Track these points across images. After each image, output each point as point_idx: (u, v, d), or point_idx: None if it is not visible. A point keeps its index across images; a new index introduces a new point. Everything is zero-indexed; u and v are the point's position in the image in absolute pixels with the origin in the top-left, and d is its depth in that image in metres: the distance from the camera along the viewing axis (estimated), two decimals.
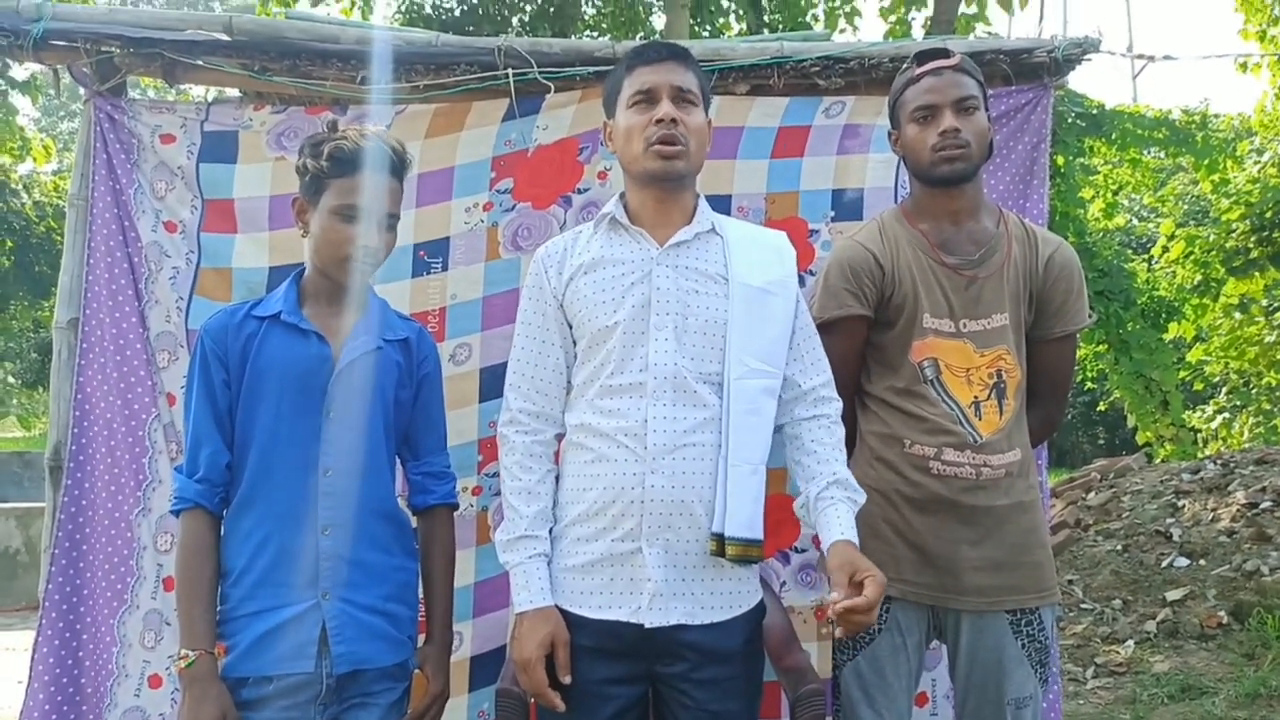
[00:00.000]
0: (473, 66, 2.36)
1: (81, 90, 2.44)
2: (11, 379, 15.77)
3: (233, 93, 2.75)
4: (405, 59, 2.36)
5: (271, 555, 1.61)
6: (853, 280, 1.92)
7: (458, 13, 9.84)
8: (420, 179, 2.38)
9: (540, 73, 2.33)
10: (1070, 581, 5.25)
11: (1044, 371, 1.96)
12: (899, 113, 1.94)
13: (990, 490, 1.85)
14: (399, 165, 1.73)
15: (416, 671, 1.75)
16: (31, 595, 6.50)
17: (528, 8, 10.23)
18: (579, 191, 2.39)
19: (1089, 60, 2.47)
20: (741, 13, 9.55)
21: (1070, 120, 7.46)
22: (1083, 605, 5.01)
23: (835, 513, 1.65)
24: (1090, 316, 1.96)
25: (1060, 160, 7.32)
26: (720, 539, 1.60)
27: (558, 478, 1.72)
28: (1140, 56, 5.08)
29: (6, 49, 2.36)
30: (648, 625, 1.59)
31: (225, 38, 2.33)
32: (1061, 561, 5.63)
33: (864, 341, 1.96)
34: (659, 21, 9.69)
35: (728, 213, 2.40)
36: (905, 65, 1.96)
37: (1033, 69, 2.49)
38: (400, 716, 1.71)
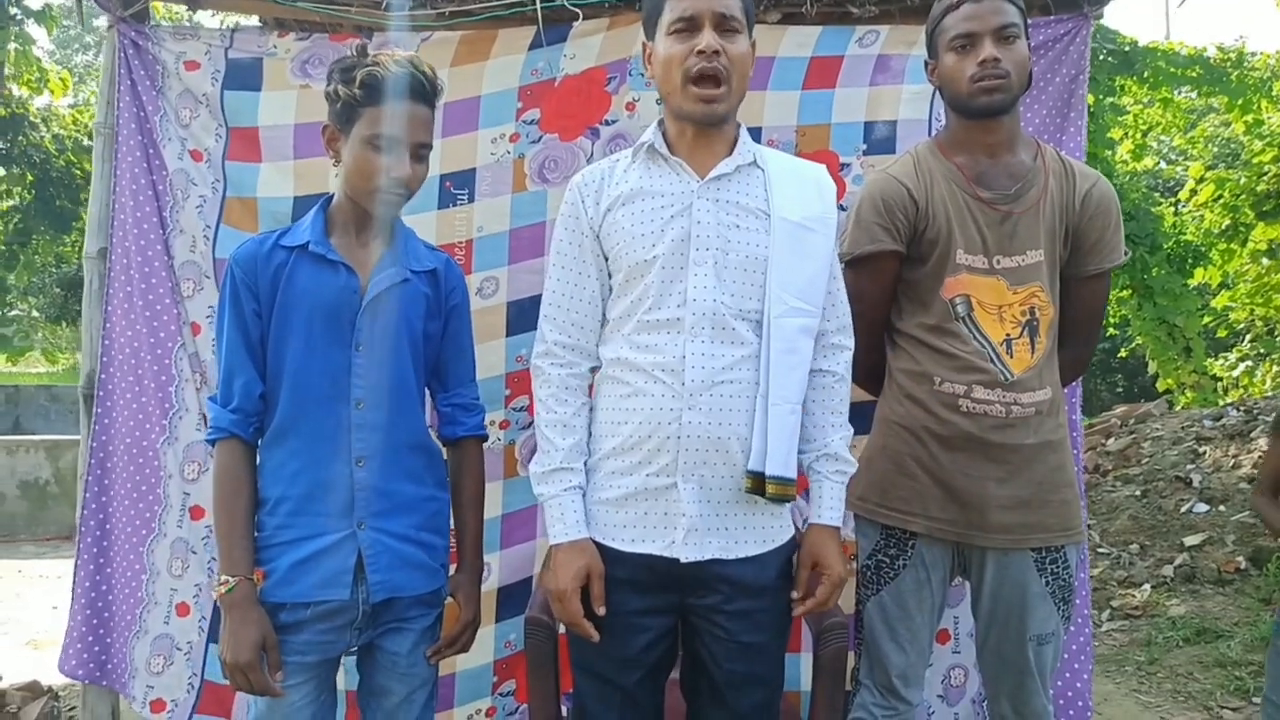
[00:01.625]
0: None
1: (101, 20, 2.41)
2: (36, 313, 15.90)
3: (253, 20, 2.71)
4: None
5: (306, 485, 1.63)
6: (886, 215, 1.89)
7: None
8: (446, 108, 2.35)
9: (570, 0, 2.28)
10: (1088, 526, 5.26)
11: (1077, 309, 1.94)
12: (936, 41, 1.89)
13: (1019, 428, 1.84)
14: (432, 93, 1.69)
15: (448, 599, 1.78)
16: (62, 525, 6.67)
17: None
18: (606, 123, 2.36)
19: None
20: None
21: (1102, 57, 7.27)
22: (1100, 549, 5.03)
23: (819, 491, 1.67)
24: (1125, 254, 1.92)
25: (1090, 99, 7.16)
26: (760, 477, 1.59)
27: (592, 410, 1.71)
28: None
29: None
30: (684, 560, 1.59)
31: None
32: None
33: (896, 277, 1.93)
34: None
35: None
36: None
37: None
38: (433, 642, 1.74)
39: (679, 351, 1.60)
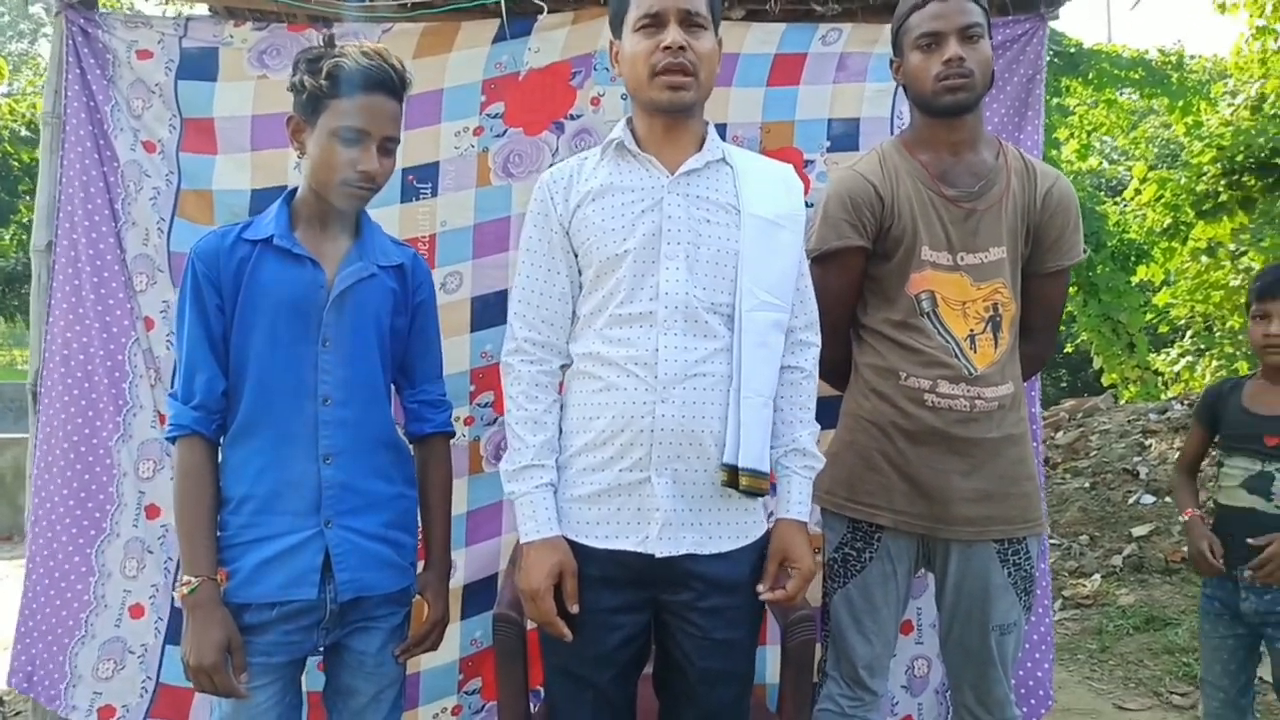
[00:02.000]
0: None
1: (36, 6, 2.35)
2: None
3: (201, 9, 2.65)
4: None
5: (271, 483, 1.59)
6: (852, 211, 1.91)
7: None
8: (409, 101, 2.27)
9: None
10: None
11: (1037, 305, 1.97)
12: (902, 39, 1.91)
13: (983, 422, 1.87)
14: (400, 86, 1.67)
15: (416, 597, 1.76)
16: (5, 526, 6.47)
17: None
18: (571, 118, 2.35)
19: None
20: None
21: (1049, 59, 7.42)
22: (1051, 540, 5.13)
23: (788, 486, 1.68)
24: (1084, 251, 1.96)
25: None
26: (734, 470, 1.60)
27: (563, 408, 1.70)
28: None
29: None
30: (658, 555, 1.58)
31: None
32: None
33: (862, 273, 1.95)
34: None
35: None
36: None
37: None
38: (401, 640, 1.71)
39: (652, 344, 1.60)
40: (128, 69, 2.30)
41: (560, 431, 1.68)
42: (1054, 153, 9.16)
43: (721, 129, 2.36)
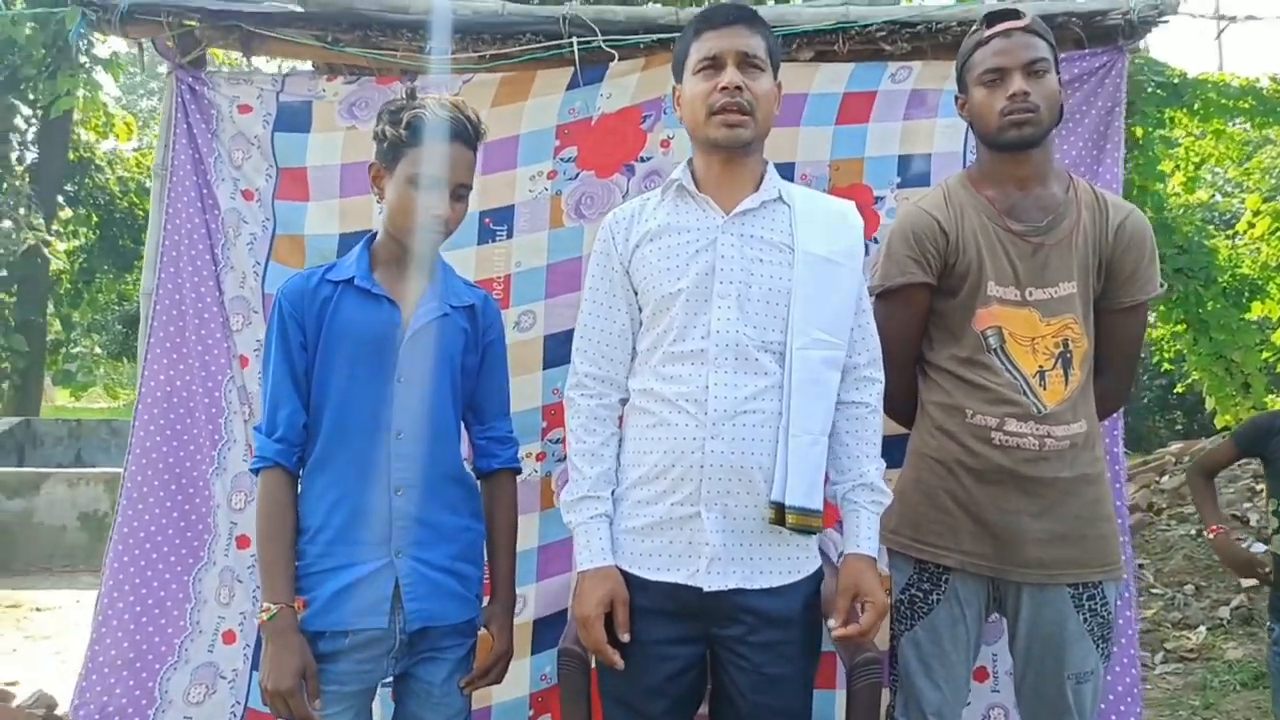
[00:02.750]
0: (538, 35, 2.39)
1: (162, 66, 2.52)
2: (99, 350, 16.40)
3: (306, 67, 2.82)
4: (472, 28, 2.40)
5: (346, 514, 1.66)
6: (916, 247, 1.90)
7: None
8: (486, 147, 2.38)
9: (604, 40, 2.34)
10: (1141, 566, 5.15)
11: (1113, 342, 1.92)
12: (966, 76, 1.91)
13: (1053, 461, 1.83)
14: (474, 136, 1.75)
15: (482, 630, 1.80)
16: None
17: None
18: (642, 160, 2.41)
19: (1165, 22, 2.39)
20: None
21: (1150, 90, 7.21)
22: (1153, 590, 4.91)
23: (856, 521, 1.68)
24: (1161, 286, 1.91)
25: (1139, 132, 7.09)
26: (780, 507, 1.61)
27: (621, 441, 1.74)
28: (1222, 18, 4.83)
29: (95, 23, 2.45)
30: (706, 589, 1.61)
31: (299, 9, 2.39)
32: (1132, 545, 5.51)
33: (927, 310, 1.94)
34: None
35: (791, 180, 2.39)
36: (974, 27, 1.92)
37: (1107, 31, 2.43)
38: (466, 672, 1.76)
39: (703, 381, 1.63)
40: (230, 122, 2.46)
41: (619, 464, 1.72)
42: (1160, 186, 8.85)
43: (790, 168, 2.39)
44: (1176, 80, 7.79)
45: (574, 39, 2.35)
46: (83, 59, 10.01)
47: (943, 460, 1.89)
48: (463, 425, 1.87)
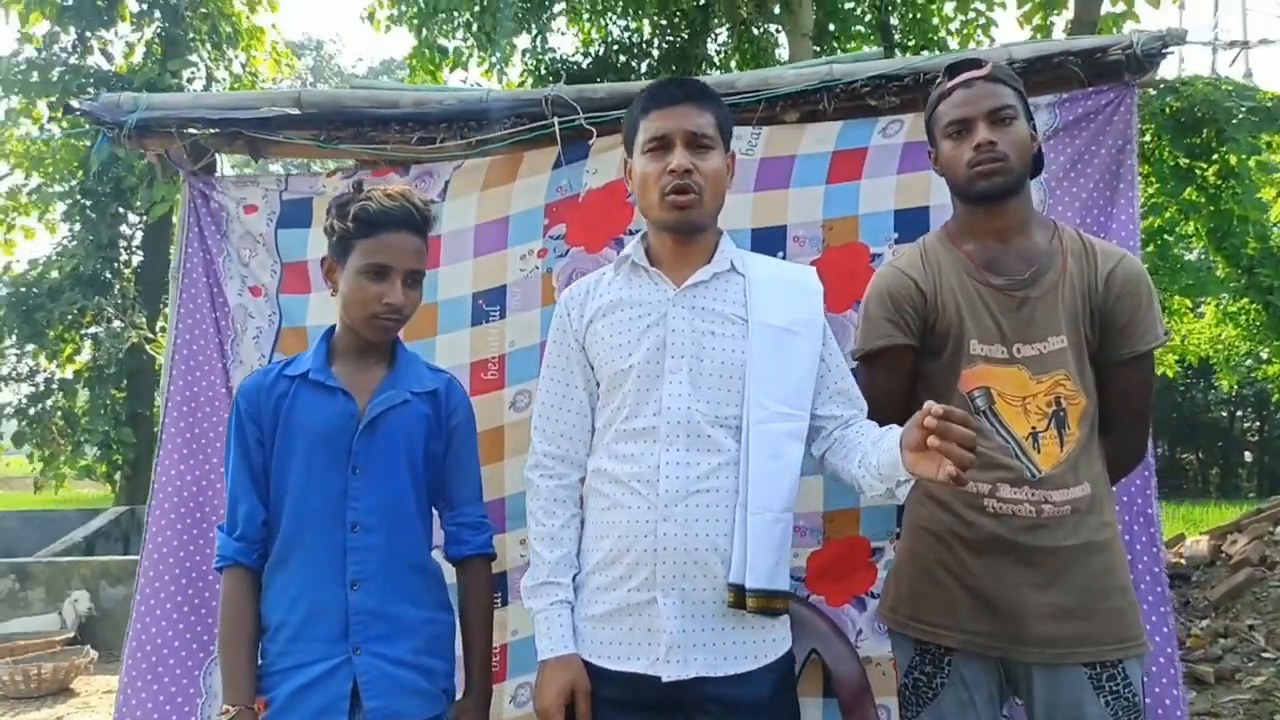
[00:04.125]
0: (522, 118, 2.41)
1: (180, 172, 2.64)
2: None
3: (318, 166, 2.91)
4: (459, 116, 2.43)
5: (304, 610, 1.65)
6: (893, 309, 1.82)
7: (584, 66, 10.09)
8: (478, 229, 2.44)
9: (585, 118, 2.35)
10: (1250, 627, 4.74)
11: (1117, 397, 1.79)
12: (934, 129, 1.84)
13: (1054, 529, 1.69)
14: (423, 223, 1.76)
15: None
16: None
17: (655, 52, 10.38)
18: (630, 233, 2.38)
19: (1169, 54, 2.26)
20: (871, 36, 9.36)
21: (1240, 116, 6.89)
22: (1264, 654, 4.49)
23: (896, 432, 1.49)
24: (1165, 335, 1.77)
25: (1233, 159, 6.78)
26: (740, 590, 1.54)
27: (584, 523, 1.69)
28: (1233, 44, 4.58)
29: (115, 139, 2.58)
30: (665, 678, 1.54)
31: (296, 111, 2.47)
32: (1242, 604, 5.10)
33: (911, 372, 1.85)
34: (784, 54, 9.61)
35: (784, 244, 2.34)
36: (938, 80, 1.86)
37: (1110, 68, 2.31)
38: None
39: (654, 461, 1.58)
40: (238, 222, 2.54)
41: (581, 548, 1.67)
42: (1260, 215, 8.43)
43: (781, 231, 2.33)
44: (1270, 104, 7.44)
45: (556, 118, 2.36)
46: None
47: (935, 531, 1.77)
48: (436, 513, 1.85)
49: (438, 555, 1.83)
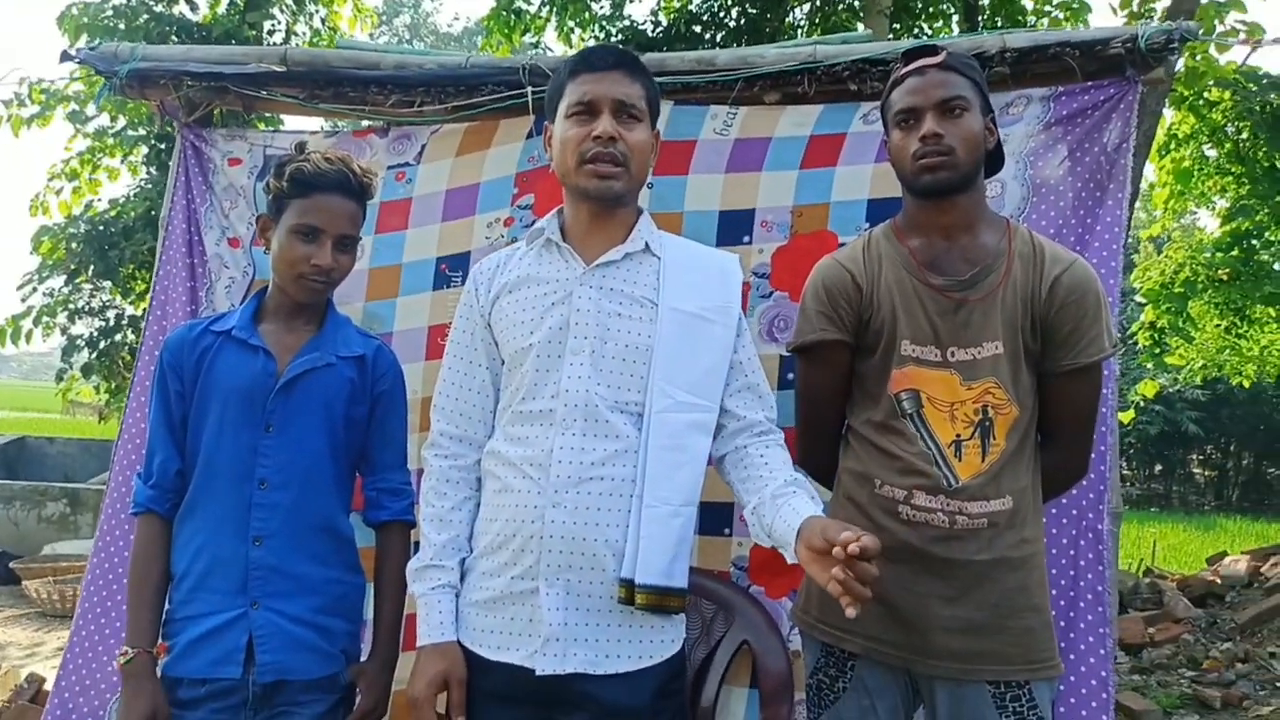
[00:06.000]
0: (500, 85, 2.38)
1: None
2: None
3: (314, 125, 2.93)
4: (438, 80, 2.42)
5: (206, 561, 1.68)
6: (827, 303, 1.76)
7: (653, 35, 9.95)
8: (448, 195, 2.43)
9: None
10: (1272, 654, 4.54)
11: (1059, 409, 1.70)
12: (885, 116, 1.76)
13: (966, 541, 1.63)
14: (359, 189, 1.76)
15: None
16: None
17: (730, 24, 10.20)
18: None
19: (1177, 50, 2.12)
20: (954, 16, 9.03)
21: None
22: (1279, 684, 4.31)
23: (798, 502, 1.45)
24: (1114, 347, 1.67)
25: None
26: (630, 585, 1.49)
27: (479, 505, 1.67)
28: (1253, 41, 4.25)
29: (116, 88, 2.63)
30: (539, 672, 1.49)
31: (280, 69, 2.49)
32: (1269, 630, 4.88)
33: (846, 370, 1.78)
34: (861, 27, 9.34)
35: (751, 228, 2.28)
36: (893, 65, 1.77)
37: (1112, 62, 2.18)
38: None
39: (548, 444, 1.54)
40: (222, 174, 2.59)
41: (473, 532, 1.64)
42: None
43: (749, 215, 2.28)
44: None
45: (531, 88, 2.33)
46: None
47: None
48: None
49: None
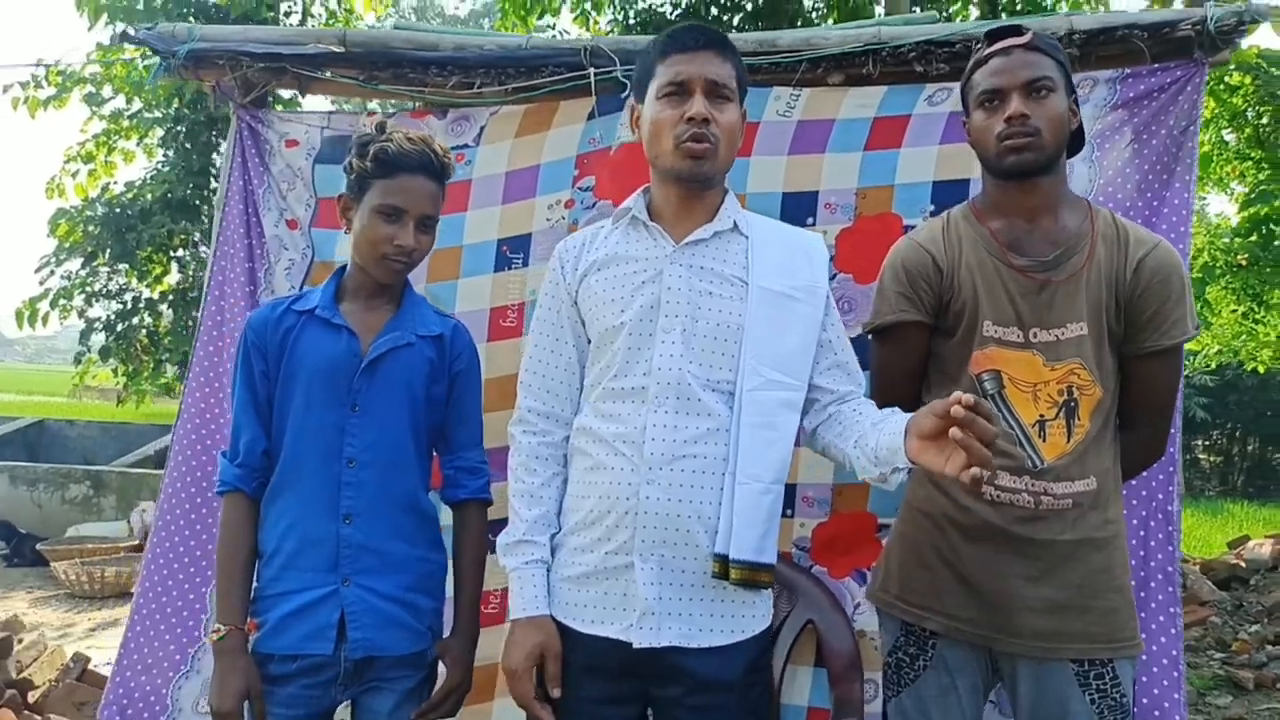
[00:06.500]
0: (560, 67, 2.38)
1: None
2: None
3: (373, 105, 2.93)
4: (498, 62, 2.42)
5: (296, 540, 1.69)
6: (907, 284, 1.76)
7: (672, 17, 9.90)
8: (509, 176, 2.43)
9: (622, 70, 2.31)
10: None
11: (1140, 391, 1.71)
12: (968, 97, 1.76)
13: (1051, 522, 1.64)
14: (440, 170, 1.76)
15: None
16: None
17: (748, 5, 10.14)
18: None
19: (1246, 33, 2.12)
20: None
21: None
22: None
23: (900, 417, 1.44)
24: (1195, 328, 1.68)
25: None
26: (724, 560, 1.51)
27: (566, 481, 1.68)
28: None
29: (171, 69, 2.63)
30: (636, 645, 1.52)
31: (340, 49, 2.49)
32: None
33: (924, 350, 1.79)
34: (881, 13, 9.29)
35: (815, 210, 2.29)
36: (976, 45, 1.77)
37: (1179, 44, 2.18)
38: (418, 704, 1.74)
39: (641, 422, 1.55)
40: (279, 156, 2.58)
41: (562, 507, 1.66)
42: None
43: (813, 197, 2.28)
44: None
45: (593, 69, 2.33)
46: None
47: (930, 514, 1.74)
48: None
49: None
